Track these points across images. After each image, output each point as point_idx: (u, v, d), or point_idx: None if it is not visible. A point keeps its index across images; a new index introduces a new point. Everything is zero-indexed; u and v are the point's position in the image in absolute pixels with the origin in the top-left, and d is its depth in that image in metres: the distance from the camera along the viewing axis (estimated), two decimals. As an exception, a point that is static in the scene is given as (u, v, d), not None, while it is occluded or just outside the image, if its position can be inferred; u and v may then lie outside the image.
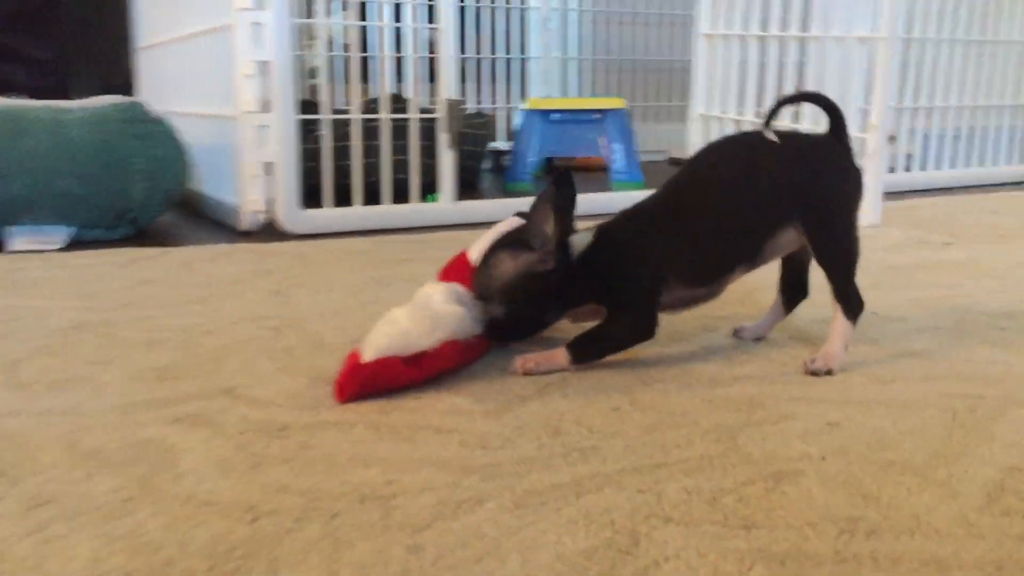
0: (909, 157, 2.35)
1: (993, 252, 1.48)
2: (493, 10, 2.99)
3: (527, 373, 0.87)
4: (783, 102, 0.95)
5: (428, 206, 1.84)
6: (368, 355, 0.80)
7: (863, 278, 0.92)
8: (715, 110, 2.03)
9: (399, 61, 2.95)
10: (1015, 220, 1.84)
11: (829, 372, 0.87)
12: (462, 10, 2.83)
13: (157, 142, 1.65)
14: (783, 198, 0.88)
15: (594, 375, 0.87)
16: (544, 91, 3.02)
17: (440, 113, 1.81)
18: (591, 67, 3.10)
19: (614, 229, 0.91)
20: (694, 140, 2.10)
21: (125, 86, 2.65)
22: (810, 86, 1.83)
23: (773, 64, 1.90)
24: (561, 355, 0.88)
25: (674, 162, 3.06)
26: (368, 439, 0.72)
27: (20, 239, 1.54)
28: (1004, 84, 2.38)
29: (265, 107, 1.64)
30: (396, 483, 0.64)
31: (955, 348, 0.96)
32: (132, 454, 0.69)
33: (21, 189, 1.53)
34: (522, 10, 2.99)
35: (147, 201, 1.64)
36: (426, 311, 0.85)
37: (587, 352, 0.89)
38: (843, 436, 0.72)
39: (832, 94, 1.79)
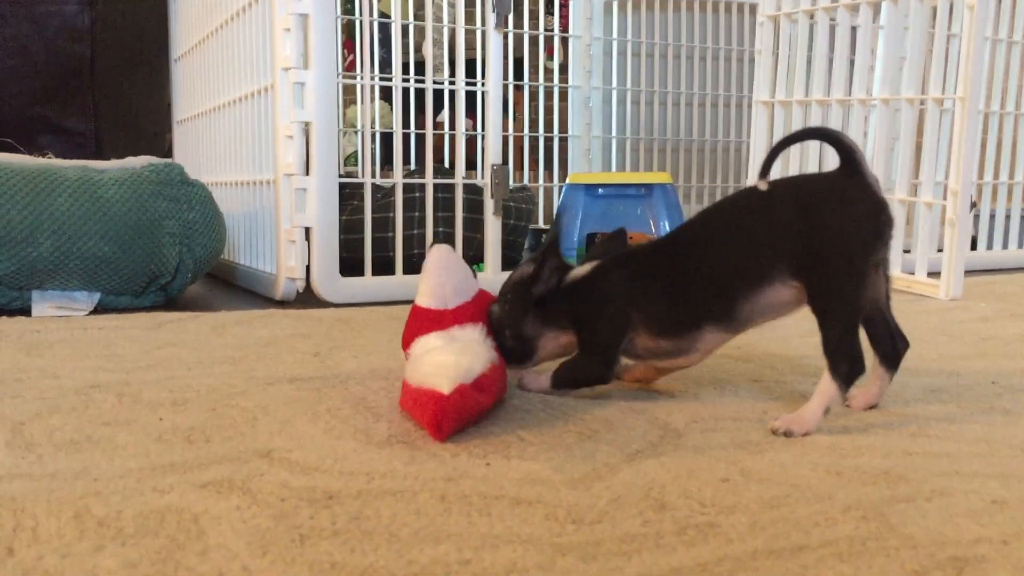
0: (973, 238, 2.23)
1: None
2: (534, 89, 2.95)
3: (521, 387, 0.90)
4: (780, 146, 0.84)
5: (473, 276, 1.74)
6: (446, 387, 0.72)
7: (962, 349, 0.79)
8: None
9: (439, 138, 2.90)
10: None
11: (788, 434, 0.76)
12: (504, 89, 2.79)
13: (192, 205, 1.56)
14: (763, 254, 0.80)
15: (688, 442, 0.74)
16: (585, 170, 2.95)
17: (486, 179, 1.73)
18: (634, 146, 3.03)
19: (606, 266, 0.89)
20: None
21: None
22: (879, 152, 1.72)
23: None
24: (545, 378, 0.90)
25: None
26: (434, 510, 0.59)
27: (45, 304, 1.44)
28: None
29: (305, 170, 1.56)
30: (474, 563, 0.51)
31: (1105, 420, 0.82)
32: (150, 524, 0.56)
33: (49, 251, 1.44)
34: (561, 88, 2.95)
35: (179, 267, 1.54)
36: (456, 342, 0.82)
37: (559, 378, 0.89)
38: (1017, 516, 0.59)
39: (902, 161, 1.70)
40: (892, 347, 0.86)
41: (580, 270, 0.90)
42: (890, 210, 0.81)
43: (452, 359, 0.76)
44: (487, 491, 0.63)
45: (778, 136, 1.91)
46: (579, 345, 0.88)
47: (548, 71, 2.97)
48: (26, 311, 1.43)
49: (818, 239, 0.78)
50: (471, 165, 2.70)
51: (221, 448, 0.72)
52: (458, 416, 0.74)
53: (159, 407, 0.84)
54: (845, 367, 0.78)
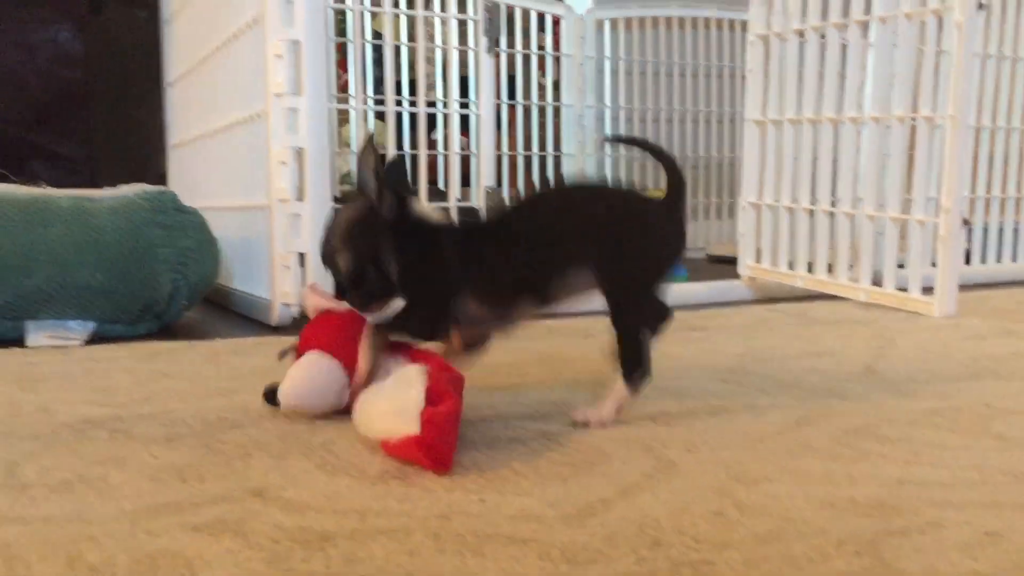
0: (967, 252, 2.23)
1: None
2: (527, 108, 2.96)
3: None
4: (626, 140, 0.95)
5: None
6: (415, 427, 0.74)
7: (956, 369, 0.80)
8: (767, 199, 1.93)
9: (433, 159, 2.91)
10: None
11: (586, 424, 0.87)
12: (496, 108, 2.80)
13: (186, 232, 1.57)
14: (573, 241, 0.89)
15: (682, 473, 0.74)
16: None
17: (479, 201, 1.73)
18: (628, 164, 3.04)
19: (451, 227, 0.93)
20: (744, 231, 2.00)
21: (156, 184, 2.61)
22: (870, 169, 1.73)
23: (827, 149, 1.81)
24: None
25: (713, 259, 2.96)
26: (428, 550, 0.59)
27: (40, 334, 1.44)
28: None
29: (299, 195, 1.57)
30: (468, 607, 0.51)
31: (1098, 443, 0.83)
32: (143, 569, 0.56)
33: (42, 281, 1.44)
34: (555, 107, 2.96)
35: (173, 294, 1.54)
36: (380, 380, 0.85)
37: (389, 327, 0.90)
38: (1011, 548, 0.59)
39: (894, 178, 1.70)
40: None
41: (431, 211, 0.93)
42: (684, 246, 0.94)
43: (392, 404, 0.76)
44: (481, 529, 0.63)
45: (771, 155, 1.92)
46: (407, 299, 0.90)
47: (541, 88, 2.98)
48: (20, 341, 1.43)
49: (619, 248, 0.88)
50: (465, 182, 2.71)
51: (215, 487, 0.72)
52: (445, 438, 0.75)
53: (152, 443, 0.83)
54: (634, 368, 0.88)
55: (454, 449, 0.76)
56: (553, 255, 0.89)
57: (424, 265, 0.90)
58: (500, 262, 0.90)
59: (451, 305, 0.90)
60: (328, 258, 0.91)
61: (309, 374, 0.89)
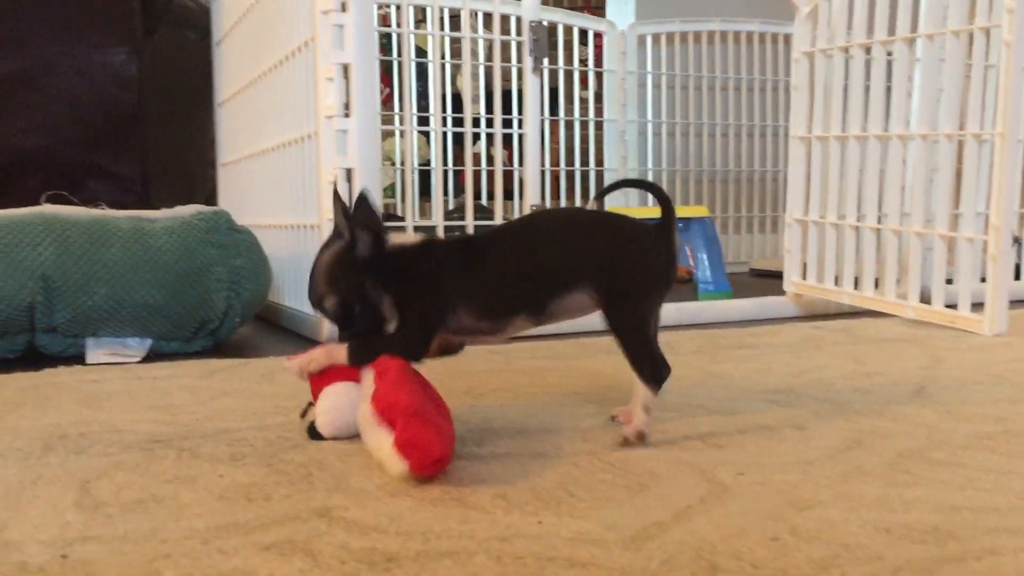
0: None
1: None
2: (570, 123, 2.98)
3: (299, 371, 0.95)
4: (613, 187, 1.02)
5: (514, 316, 1.76)
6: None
7: (1008, 390, 0.80)
8: (813, 215, 1.93)
9: (477, 174, 2.94)
10: None
11: (641, 438, 0.91)
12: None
13: (239, 252, 1.61)
14: (573, 264, 0.93)
15: (735, 496, 0.75)
16: (622, 203, 2.97)
17: (526, 220, 1.75)
18: (670, 178, 3.05)
19: (436, 244, 0.97)
20: (789, 247, 1.99)
21: (207, 202, 2.66)
22: (917, 184, 1.72)
23: (873, 165, 1.81)
24: (339, 351, 0.93)
25: (756, 273, 2.95)
26: (491, 572, 0.61)
27: (99, 351, 1.49)
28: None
29: (349, 214, 1.60)
30: (533, 630, 0.53)
31: None
32: (218, 588, 0.59)
33: (103, 300, 1.48)
34: (597, 122, 2.97)
35: (227, 312, 1.58)
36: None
37: (363, 353, 0.92)
38: (1069, 576, 0.59)
39: (942, 194, 1.69)
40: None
41: (403, 239, 0.96)
42: (676, 268, 0.97)
43: (369, 440, 0.83)
44: (541, 552, 0.64)
45: (816, 171, 1.92)
46: (400, 320, 0.93)
47: (583, 100, 3.00)
48: (80, 358, 1.48)
49: (618, 270, 0.92)
50: (507, 195, 2.74)
51: (280, 506, 0.74)
52: (418, 428, 0.78)
53: (218, 463, 0.86)
54: (649, 369, 0.92)
55: (443, 428, 0.82)
56: (554, 274, 0.93)
57: (414, 287, 0.93)
58: (499, 277, 0.94)
59: (445, 321, 0.94)
60: (317, 304, 0.96)
61: (339, 403, 0.93)
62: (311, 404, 0.96)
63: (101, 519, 0.72)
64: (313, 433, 0.94)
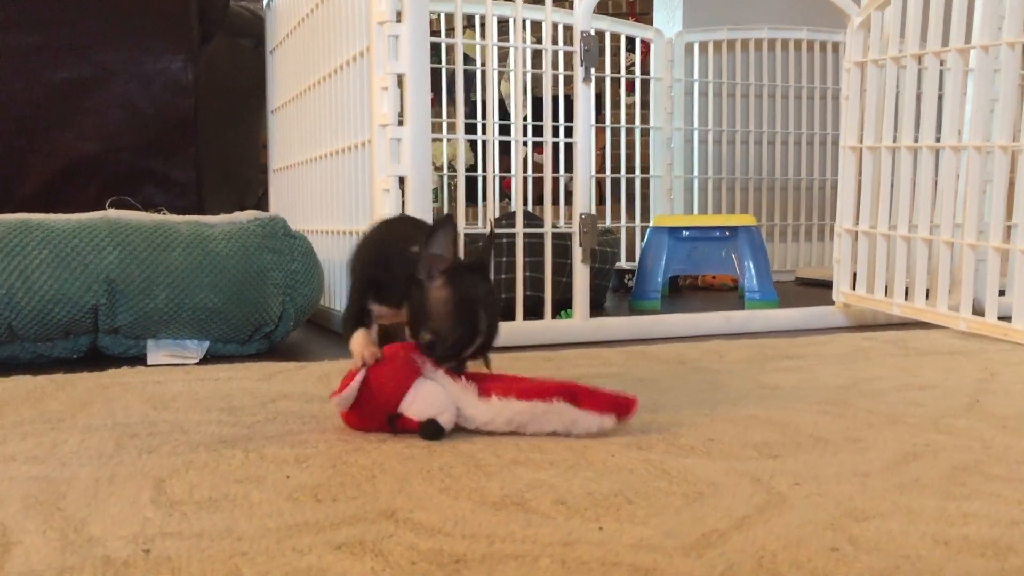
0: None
1: None
2: (615, 129, 2.99)
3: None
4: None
5: (562, 323, 1.78)
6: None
7: None
8: (863, 225, 1.92)
9: (525, 181, 2.96)
10: None
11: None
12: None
13: (294, 257, 1.64)
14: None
15: (793, 506, 0.76)
16: (667, 210, 2.98)
17: (575, 227, 1.77)
18: (716, 186, 3.05)
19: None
20: (839, 257, 1.99)
21: (258, 207, 2.72)
22: (971, 195, 1.71)
23: (925, 175, 1.80)
24: (357, 340, 1.04)
25: (802, 282, 2.94)
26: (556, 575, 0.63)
27: (160, 352, 1.53)
28: None
29: (402, 221, 1.63)
30: (601, 632, 0.55)
31: None
32: (294, 585, 0.61)
33: (164, 303, 1.53)
34: (642, 130, 2.98)
35: (282, 316, 1.62)
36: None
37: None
38: None
39: (995, 205, 1.68)
40: None
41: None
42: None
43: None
44: (604, 557, 0.66)
45: (867, 181, 1.91)
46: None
47: (628, 106, 3.01)
48: (140, 359, 1.52)
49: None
50: (539, 201, 2.76)
51: (347, 508, 0.77)
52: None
53: (284, 464, 0.89)
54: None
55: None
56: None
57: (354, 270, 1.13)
58: (367, 273, 1.09)
59: (367, 301, 1.06)
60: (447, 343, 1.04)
61: (438, 398, 0.99)
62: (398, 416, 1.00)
63: (178, 516, 0.75)
64: (430, 432, 0.97)
